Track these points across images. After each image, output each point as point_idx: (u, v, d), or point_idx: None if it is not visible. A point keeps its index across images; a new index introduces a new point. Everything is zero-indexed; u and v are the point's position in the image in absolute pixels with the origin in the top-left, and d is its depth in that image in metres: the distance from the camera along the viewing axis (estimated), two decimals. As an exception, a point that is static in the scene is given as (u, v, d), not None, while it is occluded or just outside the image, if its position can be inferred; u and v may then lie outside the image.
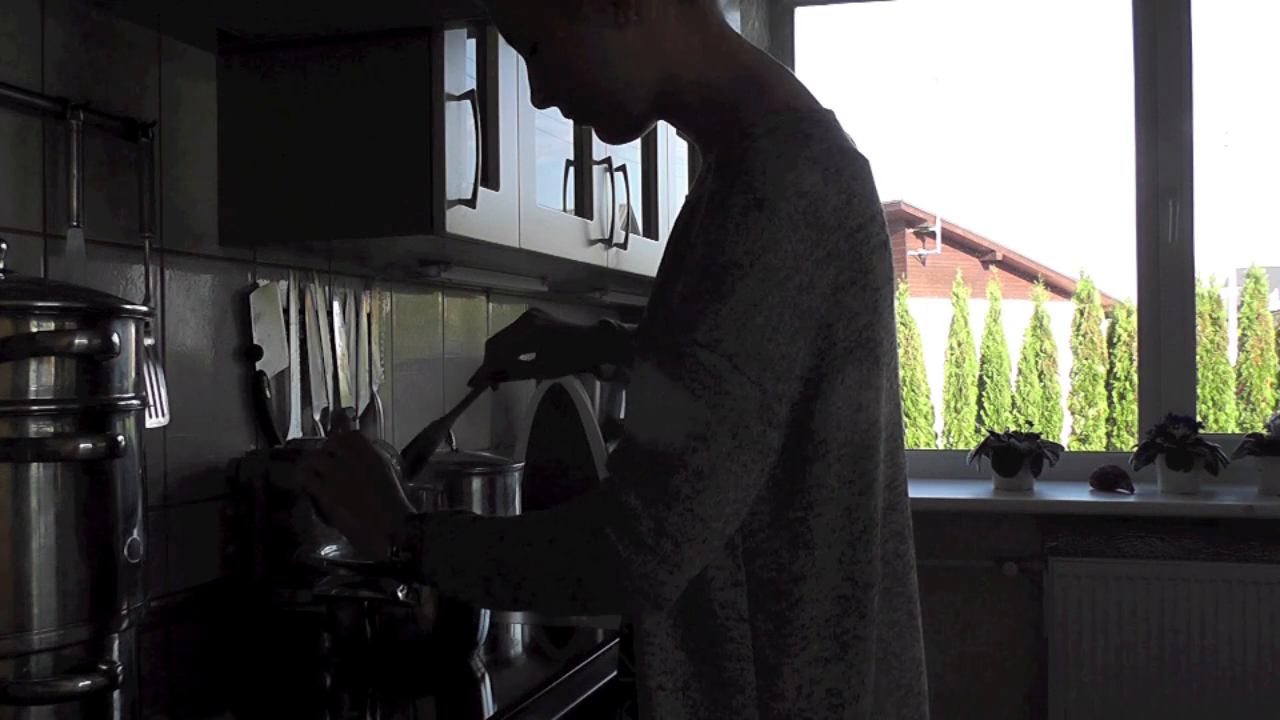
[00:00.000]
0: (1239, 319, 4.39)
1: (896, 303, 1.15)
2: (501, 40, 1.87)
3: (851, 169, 1.07)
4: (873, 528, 1.08)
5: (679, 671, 1.06)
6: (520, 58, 1.95)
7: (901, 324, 4.64)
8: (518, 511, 2.09)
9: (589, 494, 1.03)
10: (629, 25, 1.13)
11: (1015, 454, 3.16)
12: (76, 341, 1.08)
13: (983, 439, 3.28)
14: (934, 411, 4.78)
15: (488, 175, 1.83)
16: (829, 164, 1.04)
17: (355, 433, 1.41)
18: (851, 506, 1.07)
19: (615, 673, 1.43)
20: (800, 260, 1.00)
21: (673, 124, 1.23)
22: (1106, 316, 4.62)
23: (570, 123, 2.19)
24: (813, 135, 1.06)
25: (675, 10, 1.15)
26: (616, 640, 1.54)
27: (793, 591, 1.05)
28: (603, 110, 1.20)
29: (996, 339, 4.72)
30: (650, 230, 2.61)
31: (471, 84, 1.78)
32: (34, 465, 1.07)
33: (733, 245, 0.99)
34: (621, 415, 2.73)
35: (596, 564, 0.98)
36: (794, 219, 1.00)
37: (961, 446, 4.46)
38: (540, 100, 1.22)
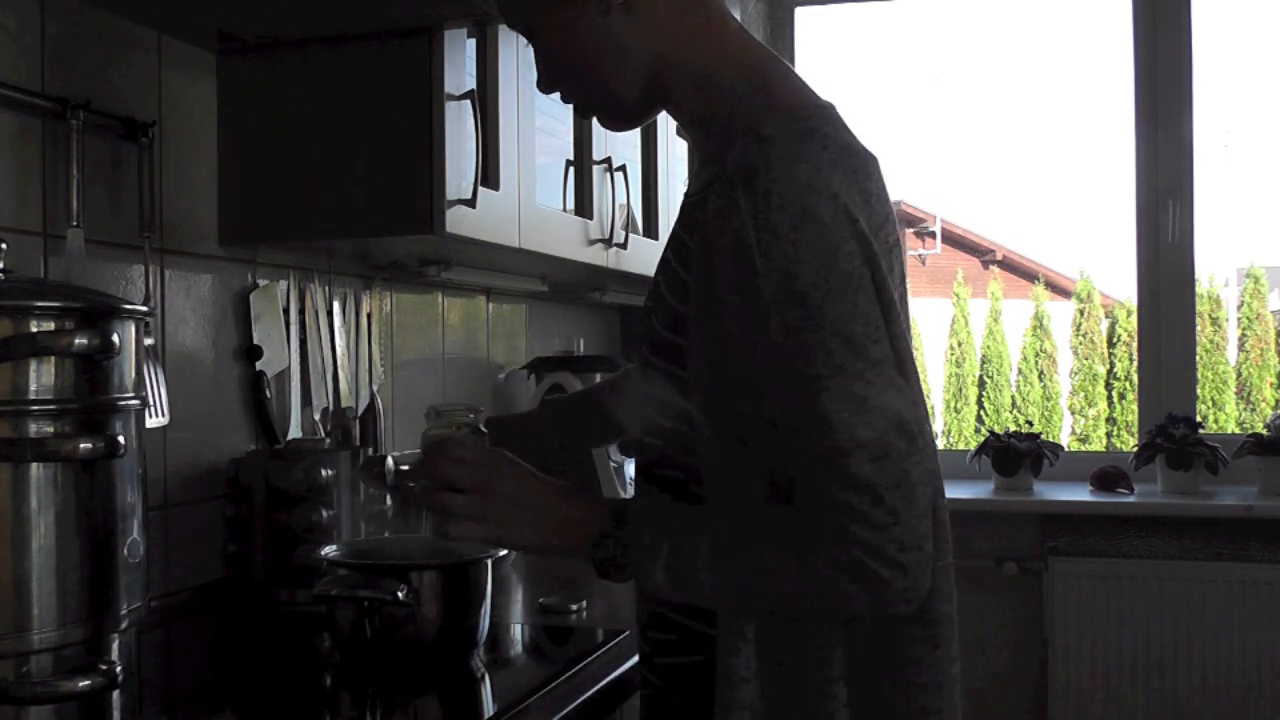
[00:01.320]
0: (1239, 319, 4.39)
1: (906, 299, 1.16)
2: (501, 40, 1.88)
3: (865, 169, 1.08)
4: None
5: (753, 682, 1.07)
6: (521, 58, 1.96)
7: (902, 324, 4.64)
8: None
9: (818, 530, 1.01)
10: (614, 10, 1.12)
11: (1015, 454, 3.16)
12: (76, 341, 1.08)
13: (983, 439, 3.28)
14: (934, 411, 4.78)
15: (488, 175, 1.83)
16: (846, 165, 1.05)
17: (451, 443, 1.25)
18: None
19: (614, 675, 1.43)
20: (856, 257, 1.01)
21: (670, 113, 1.21)
22: (1106, 316, 4.62)
23: (570, 122, 2.20)
24: (826, 135, 1.06)
25: None
26: (618, 639, 1.54)
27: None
28: (597, 96, 1.19)
29: (996, 339, 4.72)
30: (650, 230, 2.61)
31: (471, 84, 1.78)
32: (34, 465, 1.07)
33: (802, 266, 0.99)
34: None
35: (861, 588, 1.00)
36: (838, 221, 1.01)
37: (961, 446, 4.45)
38: (544, 85, 1.22)
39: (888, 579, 0.99)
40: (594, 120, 1.27)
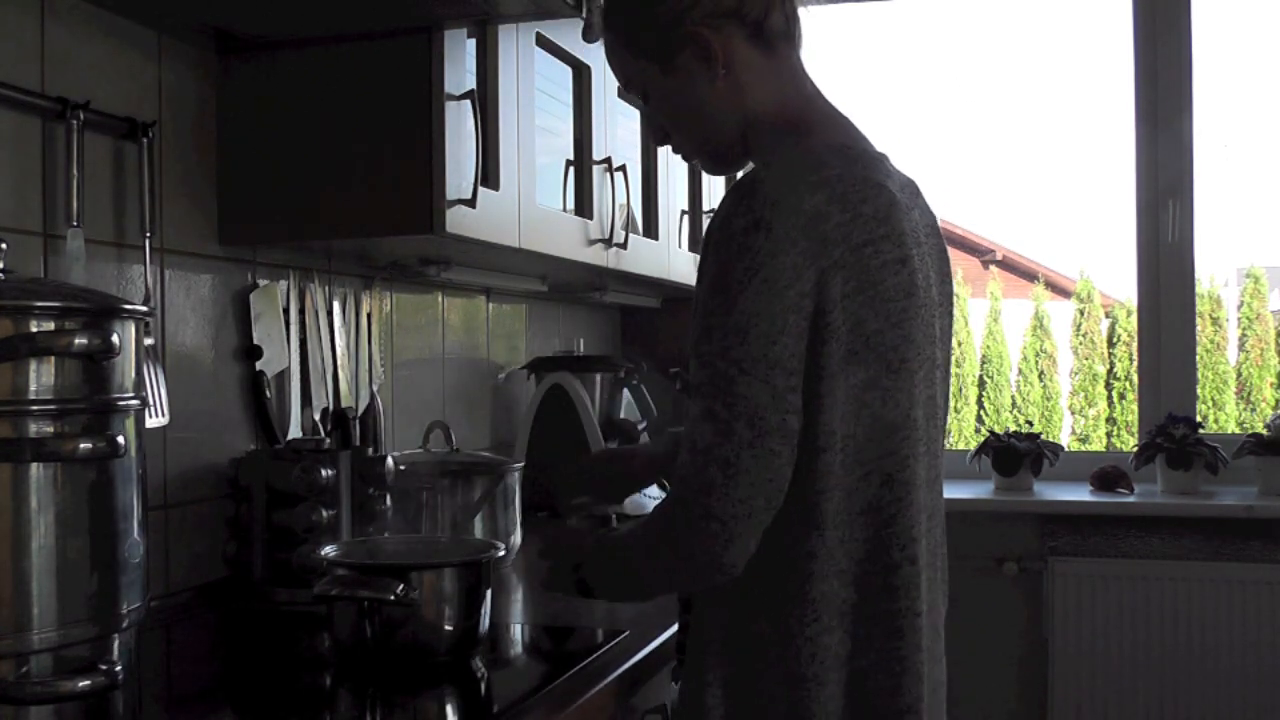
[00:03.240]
0: (1239, 319, 4.38)
1: (923, 315, 1.24)
2: (501, 40, 1.88)
3: (864, 194, 1.19)
4: (871, 511, 1.21)
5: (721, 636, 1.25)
6: (521, 58, 1.96)
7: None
8: (518, 511, 2.09)
9: (666, 501, 1.20)
10: (719, 79, 1.29)
11: (1015, 454, 3.16)
12: (76, 341, 1.08)
13: (983, 439, 3.28)
14: (934, 411, 4.78)
15: (488, 175, 1.83)
16: (836, 189, 1.17)
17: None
18: (853, 492, 1.20)
19: (614, 675, 1.43)
20: (801, 270, 1.13)
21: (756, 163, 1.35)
22: (1106, 316, 4.62)
23: (570, 122, 2.20)
24: (828, 164, 1.19)
25: (756, 59, 1.30)
26: (619, 639, 1.54)
27: (805, 566, 1.19)
28: (701, 149, 1.38)
29: (996, 339, 4.72)
30: (650, 230, 2.61)
31: (471, 84, 1.78)
32: (34, 465, 1.07)
33: (735, 263, 1.13)
34: (621, 414, 2.74)
35: (677, 552, 1.18)
36: (791, 235, 1.13)
37: (961, 446, 4.45)
38: (656, 139, 1.41)
39: (688, 542, 1.15)
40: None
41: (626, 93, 1.41)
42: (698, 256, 1.30)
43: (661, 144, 1.42)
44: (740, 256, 1.13)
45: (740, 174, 1.24)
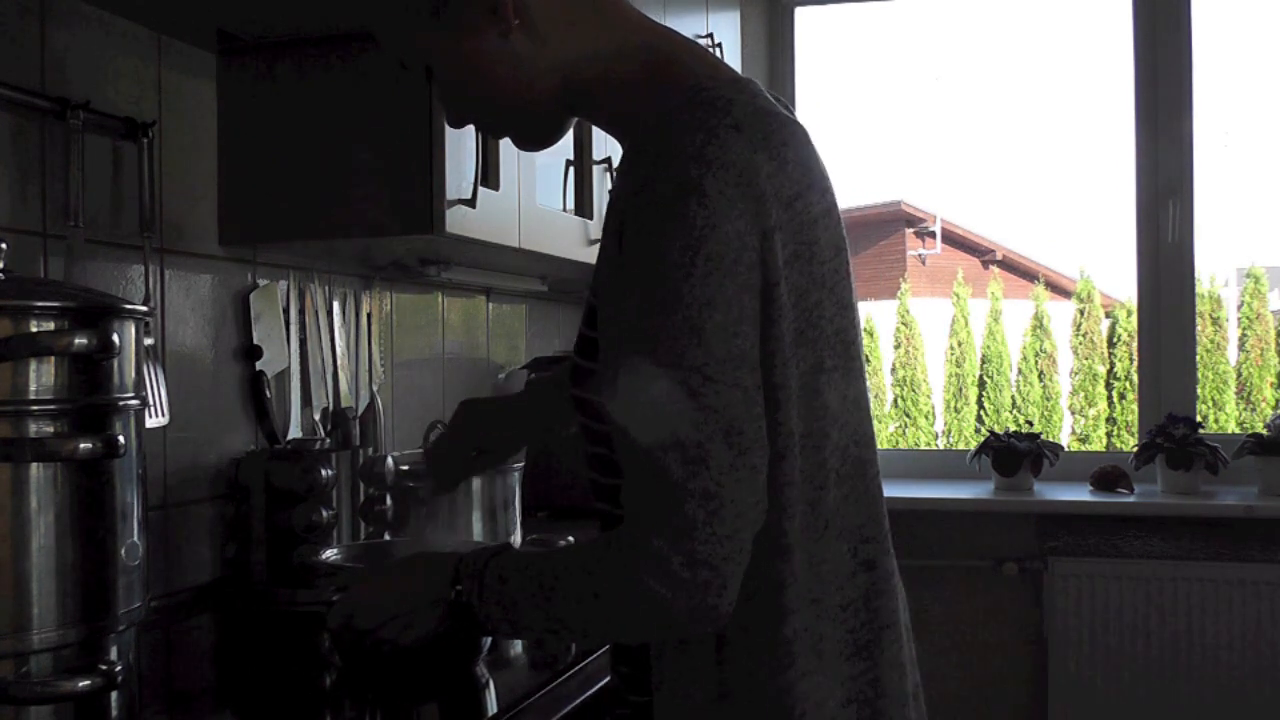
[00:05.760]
0: (1239, 319, 4.38)
1: (847, 273, 1.08)
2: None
3: (781, 134, 1.01)
4: (833, 522, 1.04)
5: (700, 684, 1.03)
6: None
7: (902, 324, 4.64)
8: (518, 511, 2.09)
9: (615, 541, 0.98)
10: (514, 32, 1.07)
11: (1015, 454, 3.16)
12: (76, 341, 1.08)
13: (983, 439, 3.28)
14: (934, 411, 4.78)
15: (488, 175, 1.83)
16: (755, 129, 0.98)
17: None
18: (814, 502, 1.02)
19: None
20: (745, 237, 0.94)
21: (588, 120, 1.18)
22: (1106, 316, 4.61)
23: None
24: (734, 100, 1.00)
25: (561, 3, 1.09)
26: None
27: (774, 602, 1.00)
28: (511, 121, 1.16)
29: (997, 339, 4.71)
30: (650, 230, 2.61)
31: (471, 84, 1.77)
32: (34, 465, 1.07)
33: (669, 243, 0.93)
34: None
35: (650, 611, 0.95)
36: (727, 194, 0.94)
37: (961, 446, 4.45)
38: (455, 120, 1.19)
39: (671, 600, 0.93)
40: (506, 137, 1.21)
41: (407, 69, 1.16)
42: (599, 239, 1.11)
43: (460, 125, 1.19)
44: (674, 234, 0.93)
45: (638, 133, 1.02)
